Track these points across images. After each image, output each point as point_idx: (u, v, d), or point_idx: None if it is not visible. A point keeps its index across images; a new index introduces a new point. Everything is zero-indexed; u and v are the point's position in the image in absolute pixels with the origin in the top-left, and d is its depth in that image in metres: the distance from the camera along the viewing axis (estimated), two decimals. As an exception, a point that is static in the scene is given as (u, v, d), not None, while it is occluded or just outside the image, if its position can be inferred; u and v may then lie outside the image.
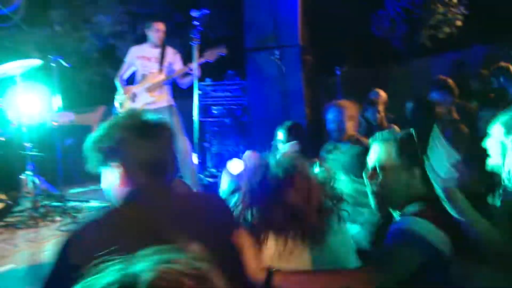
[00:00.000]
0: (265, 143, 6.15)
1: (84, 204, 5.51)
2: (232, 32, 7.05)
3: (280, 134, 3.98)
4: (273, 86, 6.37)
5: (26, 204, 5.06)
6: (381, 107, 5.57)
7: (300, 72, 6.37)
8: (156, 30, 5.75)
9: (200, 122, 5.80)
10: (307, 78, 6.45)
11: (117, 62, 8.20)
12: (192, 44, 4.70)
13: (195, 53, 4.70)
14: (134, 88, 5.82)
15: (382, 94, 5.90)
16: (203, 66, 5.32)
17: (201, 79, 5.97)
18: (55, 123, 6.89)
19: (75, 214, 5.01)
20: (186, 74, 5.56)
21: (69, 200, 5.44)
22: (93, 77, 8.80)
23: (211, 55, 5.24)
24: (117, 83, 5.97)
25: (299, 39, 6.32)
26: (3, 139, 4.98)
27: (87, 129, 7.99)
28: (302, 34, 6.36)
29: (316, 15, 6.78)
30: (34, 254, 3.87)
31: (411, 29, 7.38)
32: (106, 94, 8.20)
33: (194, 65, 4.92)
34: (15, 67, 4.98)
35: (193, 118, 5.29)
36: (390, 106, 5.90)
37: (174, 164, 1.76)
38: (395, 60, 7.58)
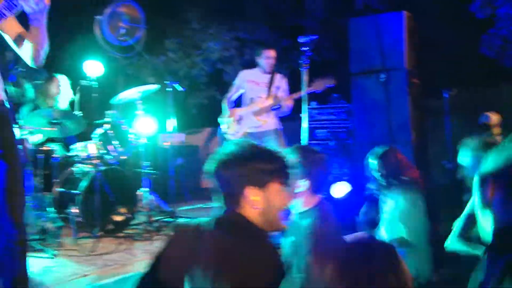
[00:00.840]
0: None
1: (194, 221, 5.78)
2: (338, 56, 7.14)
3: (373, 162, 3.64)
4: (379, 109, 6.34)
5: (142, 218, 5.45)
6: (495, 131, 5.36)
7: (406, 95, 6.28)
8: (267, 57, 5.92)
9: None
10: (413, 101, 6.35)
11: (223, 85, 8.60)
12: (301, 70, 4.82)
13: (305, 78, 4.81)
14: (240, 111, 6.00)
15: (494, 116, 5.69)
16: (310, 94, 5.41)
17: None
18: (168, 144, 7.35)
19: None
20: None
21: (179, 216, 5.76)
22: (202, 100, 9.26)
23: (319, 86, 5.32)
24: (224, 105, 6.17)
25: (405, 62, 6.25)
26: (125, 157, 5.40)
27: (195, 149, 8.43)
28: (409, 57, 6.28)
29: (422, 38, 6.69)
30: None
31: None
32: (213, 116, 8.60)
33: (303, 92, 5.02)
34: (136, 92, 5.42)
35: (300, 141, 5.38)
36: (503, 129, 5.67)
37: None
38: (506, 81, 7.26)
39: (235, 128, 5.96)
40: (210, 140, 8.92)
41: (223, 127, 6.14)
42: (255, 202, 1.83)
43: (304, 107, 4.98)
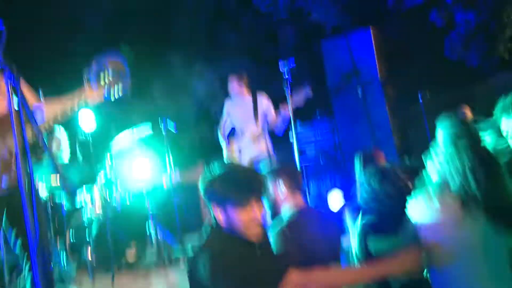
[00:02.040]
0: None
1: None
2: (315, 75, 7.48)
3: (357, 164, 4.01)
4: (360, 121, 6.69)
5: (153, 256, 5.72)
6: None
7: (384, 105, 6.66)
8: (230, 88, 6.18)
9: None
10: (391, 109, 6.72)
11: (212, 121, 8.91)
12: (285, 88, 5.04)
13: (289, 101, 5.05)
14: (237, 144, 6.19)
15: (468, 112, 5.99)
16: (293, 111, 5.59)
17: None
18: (165, 183, 7.62)
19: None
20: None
21: (187, 249, 6.00)
22: (193, 138, 9.55)
23: (299, 100, 5.47)
24: (220, 136, 6.40)
25: (378, 74, 6.65)
26: (128, 201, 5.68)
27: (192, 186, 8.67)
28: (380, 69, 6.69)
29: (390, 48, 7.06)
30: None
31: (487, 45, 7.39)
32: (204, 152, 8.90)
33: (289, 113, 5.20)
34: (131, 136, 5.72)
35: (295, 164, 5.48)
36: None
37: None
38: (476, 79, 7.60)
39: (237, 160, 6.13)
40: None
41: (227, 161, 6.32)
42: (219, 219, 2.23)
43: (292, 131, 5.16)
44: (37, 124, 2.78)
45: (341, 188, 6.25)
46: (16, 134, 2.55)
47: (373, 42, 6.72)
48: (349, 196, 6.06)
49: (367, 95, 6.62)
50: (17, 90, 2.61)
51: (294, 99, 5.42)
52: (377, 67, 6.69)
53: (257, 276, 2.18)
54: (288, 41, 9.03)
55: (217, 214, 2.22)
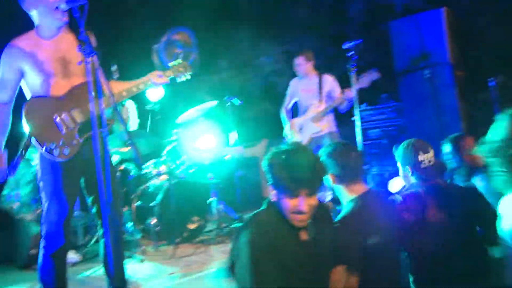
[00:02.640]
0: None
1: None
2: (382, 57, 7.37)
3: (447, 147, 3.76)
4: (427, 105, 6.55)
5: (213, 225, 5.92)
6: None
7: (453, 88, 6.48)
8: (296, 65, 6.23)
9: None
10: (461, 93, 6.53)
11: (277, 98, 8.97)
12: (350, 74, 5.07)
13: (353, 81, 5.06)
14: (299, 120, 6.28)
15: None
16: (359, 92, 5.48)
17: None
18: (229, 156, 7.80)
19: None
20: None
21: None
22: (257, 114, 9.65)
23: (365, 81, 5.48)
24: (283, 115, 6.50)
25: (448, 56, 6.46)
26: (192, 171, 5.87)
27: (254, 161, 8.82)
28: (451, 51, 6.49)
29: (463, 29, 6.84)
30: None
31: None
32: (269, 128, 8.98)
33: (353, 93, 5.25)
34: (198, 110, 5.89)
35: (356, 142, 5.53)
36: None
37: None
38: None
39: (299, 137, 6.24)
40: (268, 151, 9.27)
41: (287, 137, 6.44)
42: (272, 197, 2.32)
43: (356, 110, 5.22)
44: (112, 95, 2.95)
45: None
46: (94, 104, 2.74)
47: (444, 23, 6.50)
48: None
49: (436, 78, 6.46)
50: (94, 62, 2.80)
51: (360, 80, 5.42)
52: (448, 49, 6.48)
53: (293, 260, 2.26)
54: (355, 19, 8.90)
55: (272, 192, 2.31)
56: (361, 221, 2.62)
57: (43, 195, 3.18)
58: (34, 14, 3.17)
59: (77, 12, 2.77)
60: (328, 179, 2.76)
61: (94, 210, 3.33)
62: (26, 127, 3.10)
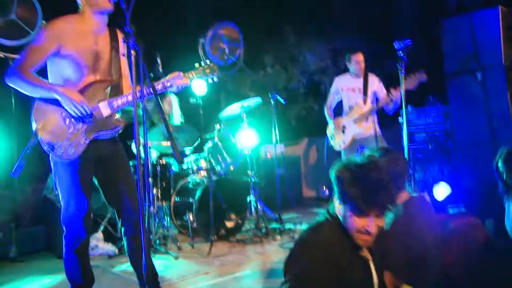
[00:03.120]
0: (471, 167, 6.11)
1: (298, 226, 6.10)
2: (430, 58, 7.13)
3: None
4: (477, 109, 6.28)
5: (251, 224, 5.86)
6: None
7: (506, 92, 6.19)
8: (356, 62, 6.08)
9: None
10: (514, 97, 6.23)
11: (321, 96, 8.86)
12: (400, 73, 4.92)
13: (402, 82, 4.92)
14: (343, 120, 6.18)
15: None
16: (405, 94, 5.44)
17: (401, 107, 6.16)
18: (270, 154, 7.75)
19: (292, 235, 5.62)
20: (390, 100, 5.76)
21: (285, 222, 6.08)
22: (300, 111, 9.56)
23: (412, 83, 5.34)
24: (326, 114, 6.39)
25: (502, 58, 6.18)
26: (232, 168, 5.82)
27: (295, 160, 8.74)
28: (506, 53, 6.20)
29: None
30: (263, 264, 4.54)
31: None
32: (311, 126, 8.88)
33: (400, 94, 5.10)
34: (240, 106, 5.83)
35: (403, 145, 5.37)
36: None
37: None
38: None
39: (341, 138, 6.16)
40: (309, 150, 9.19)
41: (328, 136, 6.34)
42: (337, 211, 2.18)
43: (403, 113, 5.07)
44: (155, 90, 2.92)
45: (449, 179, 5.99)
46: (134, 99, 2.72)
47: (500, 23, 6.21)
48: (455, 189, 5.80)
49: (488, 81, 6.17)
50: (139, 56, 2.78)
51: (408, 82, 5.27)
52: (503, 50, 6.19)
53: (354, 279, 2.15)
54: (405, 17, 8.65)
55: (337, 205, 2.19)
56: (402, 230, 2.55)
57: (59, 190, 3.17)
58: (81, 2, 3.17)
59: (123, 3, 2.76)
60: None
61: (111, 207, 3.39)
62: (33, 125, 3.08)
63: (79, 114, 3.05)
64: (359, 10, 9.03)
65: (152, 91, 2.99)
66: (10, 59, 5.29)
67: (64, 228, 3.18)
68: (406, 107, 4.90)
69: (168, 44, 7.08)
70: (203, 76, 3.46)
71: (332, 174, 2.17)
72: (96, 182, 3.30)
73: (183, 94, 6.37)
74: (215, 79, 3.54)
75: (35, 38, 3.12)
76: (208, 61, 3.50)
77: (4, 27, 5.20)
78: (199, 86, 6.11)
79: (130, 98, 3.14)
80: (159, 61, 5.85)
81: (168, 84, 3.28)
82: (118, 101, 3.16)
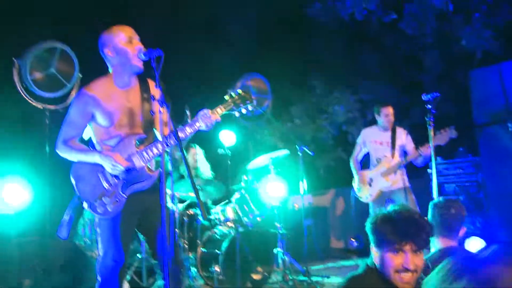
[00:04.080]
0: (503, 220, 5.96)
1: (325, 280, 5.98)
2: (460, 108, 7.11)
3: None
4: (509, 160, 6.18)
5: (278, 277, 5.76)
6: None
7: (539, 142, 6.09)
8: (385, 115, 6.04)
9: (434, 201, 5.85)
10: (547, 149, 6.12)
11: (349, 146, 8.83)
12: (428, 127, 4.89)
13: (431, 135, 4.88)
14: (369, 174, 6.12)
15: None
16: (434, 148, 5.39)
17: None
18: (297, 205, 7.70)
19: (319, 288, 5.52)
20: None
21: (312, 275, 5.97)
22: (328, 162, 9.55)
23: (442, 139, 5.33)
24: (352, 165, 6.33)
25: (534, 108, 6.11)
26: (260, 219, 5.79)
27: (323, 210, 8.66)
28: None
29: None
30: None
31: None
32: (339, 177, 8.82)
33: (430, 150, 5.04)
34: (268, 157, 5.85)
35: (432, 196, 5.29)
36: None
37: None
38: None
39: (368, 191, 6.09)
40: (336, 201, 9.11)
41: (355, 188, 6.28)
42: (375, 259, 2.20)
43: (432, 163, 5.01)
44: (180, 143, 2.97)
45: (481, 233, 5.83)
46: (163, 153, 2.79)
47: (530, 74, 6.18)
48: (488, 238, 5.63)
49: (519, 132, 6.10)
50: (167, 112, 2.86)
51: (437, 138, 5.27)
52: (534, 100, 6.14)
53: None
54: (432, 67, 8.68)
55: (374, 253, 2.22)
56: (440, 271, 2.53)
57: (99, 240, 3.21)
58: (112, 61, 3.27)
59: (154, 63, 2.87)
60: None
61: (148, 248, 3.43)
62: (73, 185, 3.20)
63: (119, 173, 3.14)
64: (385, 61, 9.12)
65: (177, 140, 2.98)
66: (47, 110, 5.48)
67: (98, 278, 3.19)
68: (435, 160, 4.85)
69: (197, 96, 7.22)
70: (234, 108, 3.36)
71: (367, 225, 2.24)
72: (138, 232, 3.36)
73: (212, 144, 6.46)
74: (250, 108, 3.41)
75: (68, 111, 3.28)
76: (239, 90, 3.41)
77: (44, 80, 5.42)
78: (228, 137, 6.18)
79: (159, 146, 3.18)
80: (188, 113, 5.95)
81: (197, 125, 3.28)
82: (149, 152, 3.22)
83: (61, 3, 6.17)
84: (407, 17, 8.25)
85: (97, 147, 3.29)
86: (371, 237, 2.22)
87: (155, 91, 3.07)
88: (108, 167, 3.12)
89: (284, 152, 5.91)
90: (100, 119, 3.21)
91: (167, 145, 3.06)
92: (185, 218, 5.68)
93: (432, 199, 4.65)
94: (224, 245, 5.42)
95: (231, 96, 3.38)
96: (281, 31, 8.87)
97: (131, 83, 3.33)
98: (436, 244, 2.86)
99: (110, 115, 3.21)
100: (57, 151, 3.27)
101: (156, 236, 3.26)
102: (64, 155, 3.25)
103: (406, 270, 2.09)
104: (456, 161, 7.10)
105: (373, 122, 6.39)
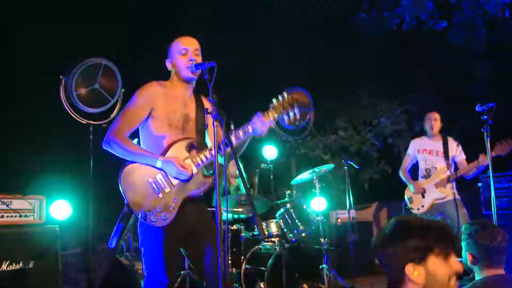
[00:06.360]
0: None
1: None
2: (509, 119, 6.84)
3: None
4: None
5: (324, 288, 5.64)
6: None
7: None
8: (429, 119, 5.93)
9: (484, 215, 5.62)
10: None
11: (395, 159, 8.63)
12: (486, 138, 4.71)
13: (488, 146, 4.69)
14: (424, 184, 5.94)
15: None
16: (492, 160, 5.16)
17: (483, 171, 5.88)
18: (341, 220, 7.55)
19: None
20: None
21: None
22: (373, 175, 9.35)
23: (502, 149, 5.15)
24: (403, 176, 6.18)
25: None
26: (304, 235, 5.68)
27: (367, 225, 8.46)
28: None
29: None
30: None
31: None
32: (383, 190, 8.62)
33: (487, 161, 4.86)
34: (313, 172, 5.75)
35: (479, 210, 5.15)
36: None
37: None
38: None
39: (420, 202, 5.94)
40: (379, 214, 8.91)
41: (406, 199, 6.12)
42: (415, 279, 1.81)
43: (490, 175, 4.81)
44: (235, 156, 2.90)
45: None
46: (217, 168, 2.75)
47: None
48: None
49: None
50: (222, 125, 2.81)
51: (499, 148, 5.09)
52: None
53: None
54: (483, 78, 8.42)
55: (412, 273, 1.81)
56: None
57: (143, 260, 3.15)
58: (171, 71, 3.37)
59: (206, 74, 2.89)
60: (466, 257, 2.63)
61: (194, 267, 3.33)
62: (123, 194, 3.08)
63: (185, 177, 3.09)
64: (432, 71, 8.91)
65: (230, 147, 2.92)
66: (91, 125, 5.53)
67: None
68: (486, 173, 4.66)
69: (240, 110, 7.19)
70: (284, 114, 3.20)
71: (391, 250, 1.89)
72: (183, 251, 3.27)
73: (254, 159, 6.40)
74: (297, 112, 3.21)
75: (129, 102, 3.25)
76: (285, 94, 3.24)
77: (88, 95, 5.48)
78: (270, 150, 6.11)
79: (210, 152, 3.14)
80: (232, 127, 5.93)
81: (249, 128, 3.20)
82: (202, 157, 3.16)
83: (105, 20, 6.26)
84: (455, 26, 8.03)
85: (145, 146, 3.24)
86: (405, 257, 1.82)
87: (208, 104, 3.06)
88: (172, 171, 3.06)
89: (329, 167, 5.79)
90: (158, 115, 3.19)
91: (220, 149, 3.00)
92: (229, 234, 5.61)
93: (481, 212, 4.46)
94: (270, 261, 5.33)
95: (278, 100, 3.24)
96: (326, 41, 8.78)
97: (187, 93, 3.36)
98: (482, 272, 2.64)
99: (168, 113, 3.21)
100: (105, 145, 3.16)
101: (204, 254, 3.18)
102: (113, 150, 3.13)
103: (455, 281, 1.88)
104: (508, 174, 6.82)
105: (420, 134, 6.24)
